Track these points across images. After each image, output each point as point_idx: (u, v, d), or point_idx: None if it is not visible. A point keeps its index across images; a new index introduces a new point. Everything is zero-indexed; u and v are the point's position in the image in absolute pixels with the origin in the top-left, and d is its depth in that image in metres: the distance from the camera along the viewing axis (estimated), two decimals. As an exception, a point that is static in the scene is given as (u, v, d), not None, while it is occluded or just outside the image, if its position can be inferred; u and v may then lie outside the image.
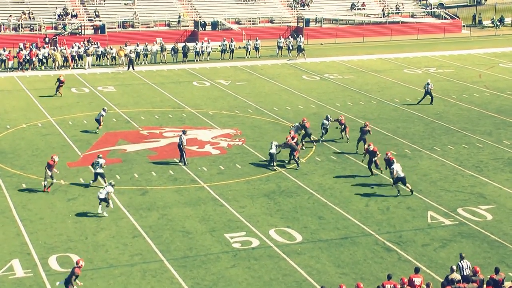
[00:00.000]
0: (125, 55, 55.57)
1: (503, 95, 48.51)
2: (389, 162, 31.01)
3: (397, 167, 30.59)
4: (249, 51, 60.18)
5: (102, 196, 27.95)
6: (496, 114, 43.84)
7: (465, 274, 21.67)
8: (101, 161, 30.76)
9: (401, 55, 62.44)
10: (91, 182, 30.83)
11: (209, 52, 59.05)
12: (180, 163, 33.82)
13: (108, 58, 56.65)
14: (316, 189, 31.11)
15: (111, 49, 56.80)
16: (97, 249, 25.33)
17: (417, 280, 21.11)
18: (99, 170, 30.58)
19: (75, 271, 21.72)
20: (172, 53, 57.91)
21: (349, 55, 61.96)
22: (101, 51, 56.62)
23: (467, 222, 28.16)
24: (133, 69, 54.58)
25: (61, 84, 46.34)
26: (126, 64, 55.36)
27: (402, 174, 30.48)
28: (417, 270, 21.76)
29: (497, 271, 21.51)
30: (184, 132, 34.09)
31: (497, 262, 24.41)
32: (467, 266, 21.83)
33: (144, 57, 57.49)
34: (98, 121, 38.78)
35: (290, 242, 26.18)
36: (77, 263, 21.87)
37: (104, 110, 39.17)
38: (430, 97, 45.30)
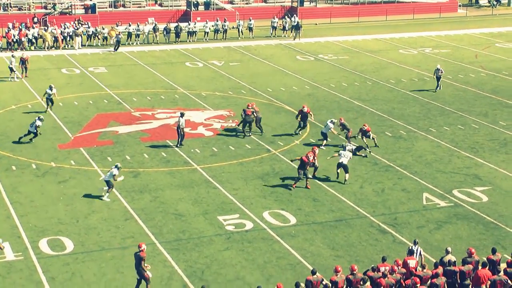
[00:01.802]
0: (116, 35, 55.31)
1: (499, 76, 48.51)
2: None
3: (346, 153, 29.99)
4: (241, 31, 59.95)
5: (107, 178, 27.92)
6: (492, 94, 43.86)
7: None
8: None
9: (397, 35, 62.32)
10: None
11: (207, 32, 58.76)
12: (175, 146, 33.66)
13: (99, 39, 56.39)
14: (310, 171, 31.05)
15: (103, 29, 56.52)
16: (89, 232, 25.32)
17: (412, 262, 21.17)
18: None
19: (141, 255, 21.30)
20: (165, 33, 57.66)
21: (344, 35, 61.81)
22: (92, 31, 56.35)
23: (463, 203, 28.23)
24: (115, 50, 54.04)
25: (25, 65, 45.52)
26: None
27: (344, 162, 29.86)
28: (411, 252, 21.81)
29: (494, 251, 21.58)
30: (181, 115, 33.71)
31: (492, 244, 24.49)
32: (418, 252, 21.79)
33: (136, 37, 57.23)
34: (50, 100, 38.45)
35: (284, 224, 26.22)
36: (139, 246, 21.45)
37: (50, 88, 38.56)
38: (438, 83, 44.11)
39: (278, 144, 34.52)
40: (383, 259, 21.08)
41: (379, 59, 52.99)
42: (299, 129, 35.66)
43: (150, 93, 43.02)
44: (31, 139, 33.82)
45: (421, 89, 44.78)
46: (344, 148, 30.62)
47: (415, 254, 21.78)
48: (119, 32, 55.10)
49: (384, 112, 39.96)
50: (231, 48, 56.46)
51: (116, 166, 28.17)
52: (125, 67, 49.48)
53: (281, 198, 28.40)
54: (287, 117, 38.61)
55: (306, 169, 29.08)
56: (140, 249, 21.40)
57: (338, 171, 30.20)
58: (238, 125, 36.16)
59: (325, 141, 34.02)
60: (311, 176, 29.96)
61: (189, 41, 58.30)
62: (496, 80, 47.32)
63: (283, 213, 27.13)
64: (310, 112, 35.55)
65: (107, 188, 28.07)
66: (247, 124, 35.27)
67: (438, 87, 44.16)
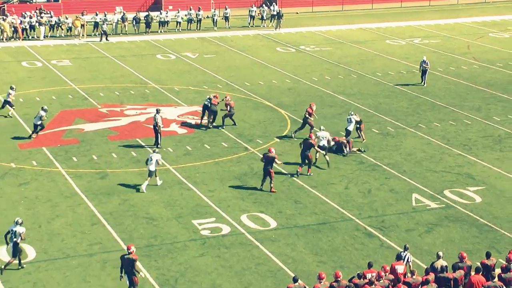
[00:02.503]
0: (82, 25, 55.10)
1: (493, 68, 48.82)
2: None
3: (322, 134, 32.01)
4: (216, 22, 59.79)
5: (153, 168, 28.88)
6: (485, 88, 44.14)
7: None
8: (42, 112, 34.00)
9: (383, 24, 62.54)
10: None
11: (180, 22, 58.65)
12: (155, 146, 33.47)
13: (62, 29, 56.08)
14: (291, 170, 31.12)
15: (67, 18, 56.21)
16: (52, 238, 25.16)
17: (400, 268, 21.24)
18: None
19: (134, 257, 21.47)
20: (134, 23, 57.45)
21: (327, 25, 61.93)
22: (55, 21, 56.01)
23: (455, 205, 28.38)
24: (107, 39, 54.57)
25: None
26: (83, 35, 54.91)
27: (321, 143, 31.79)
28: (399, 257, 21.89)
29: (488, 255, 21.69)
30: (157, 111, 33.51)
31: (486, 248, 24.64)
32: (407, 259, 21.92)
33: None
34: (8, 103, 37.27)
35: (264, 228, 26.22)
36: (128, 248, 21.58)
37: (12, 88, 37.77)
38: (422, 76, 43.91)
39: (257, 142, 34.53)
40: (369, 265, 21.13)
41: (365, 51, 53.13)
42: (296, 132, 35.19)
43: (119, 88, 42.84)
44: (36, 132, 34.27)
45: (410, 82, 44.97)
46: (320, 129, 32.20)
47: (403, 260, 21.85)
48: (103, 21, 54.91)
49: (370, 107, 40.08)
50: (206, 39, 56.36)
51: (155, 151, 29.52)
52: (91, 60, 49.22)
53: (260, 200, 28.40)
54: (266, 113, 38.63)
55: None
56: (130, 250, 21.49)
57: (317, 155, 31.46)
58: (202, 121, 36.37)
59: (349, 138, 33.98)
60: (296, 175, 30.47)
61: (161, 31, 58.12)
62: (490, 73, 47.62)
63: (262, 216, 27.13)
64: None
65: (149, 178, 29.11)
66: (211, 115, 35.68)
67: (424, 82, 44.14)
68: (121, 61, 48.98)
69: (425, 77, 44.09)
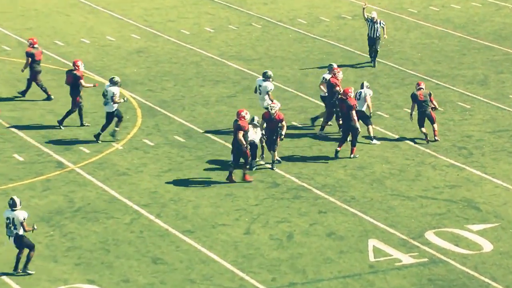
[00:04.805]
0: None
1: (505, 6, 49.76)
2: None
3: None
4: None
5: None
6: (492, 43, 44.95)
7: None
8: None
9: None
10: None
11: None
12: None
13: None
14: (146, 202, 31.12)
15: None
16: None
17: None
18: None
19: None
20: None
21: None
22: None
23: (445, 257, 28.61)
24: None
25: None
26: None
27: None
28: None
29: None
30: None
31: (502, 335, 25.07)
32: None
33: None
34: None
35: (97, 313, 26.04)
36: None
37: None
38: (373, 50, 43.86)
39: (80, 151, 34.32)
40: None
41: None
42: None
43: None
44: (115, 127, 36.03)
45: (358, 35, 45.43)
46: None
47: None
48: None
49: (288, 82, 40.33)
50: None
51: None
52: None
53: (89, 259, 28.15)
54: (96, 97, 38.30)
55: None
56: None
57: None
58: None
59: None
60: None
61: None
62: (500, 15, 48.65)
63: (92, 289, 26.90)
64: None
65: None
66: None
67: (374, 61, 43.63)
68: None
69: (375, 56, 43.20)
